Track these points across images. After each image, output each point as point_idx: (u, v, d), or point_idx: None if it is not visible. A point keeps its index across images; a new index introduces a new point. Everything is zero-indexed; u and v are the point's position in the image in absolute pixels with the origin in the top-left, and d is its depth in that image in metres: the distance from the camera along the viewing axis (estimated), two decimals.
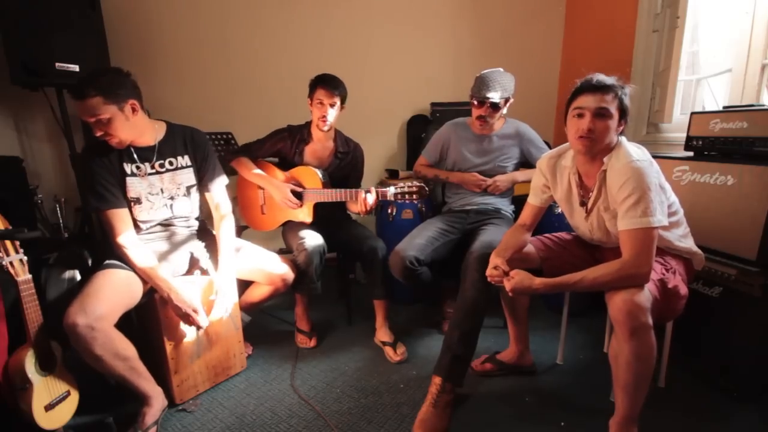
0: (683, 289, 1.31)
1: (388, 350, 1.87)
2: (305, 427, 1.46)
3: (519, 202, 1.83)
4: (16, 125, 2.20)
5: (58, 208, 2.17)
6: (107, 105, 1.33)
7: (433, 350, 1.87)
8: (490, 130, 1.98)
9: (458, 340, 1.48)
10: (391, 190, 1.72)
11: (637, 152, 1.25)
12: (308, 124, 1.97)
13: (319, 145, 1.97)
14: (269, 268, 1.72)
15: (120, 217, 1.44)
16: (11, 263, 1.22)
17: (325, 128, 1.89)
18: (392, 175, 2.53)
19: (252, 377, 1.74)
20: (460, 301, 1.54)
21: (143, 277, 1.43)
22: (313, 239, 1.80)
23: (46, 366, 1.30)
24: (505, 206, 2.04)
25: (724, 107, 1.76)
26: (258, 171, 1.91)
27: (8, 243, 1.23)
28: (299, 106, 2.20)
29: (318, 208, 1.92)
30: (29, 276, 1.25)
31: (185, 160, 1.58)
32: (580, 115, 1.25)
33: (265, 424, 1.47)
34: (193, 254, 1.61)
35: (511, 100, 1.93)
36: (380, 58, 2.82)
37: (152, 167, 1.51)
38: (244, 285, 1.79)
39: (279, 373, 1.77)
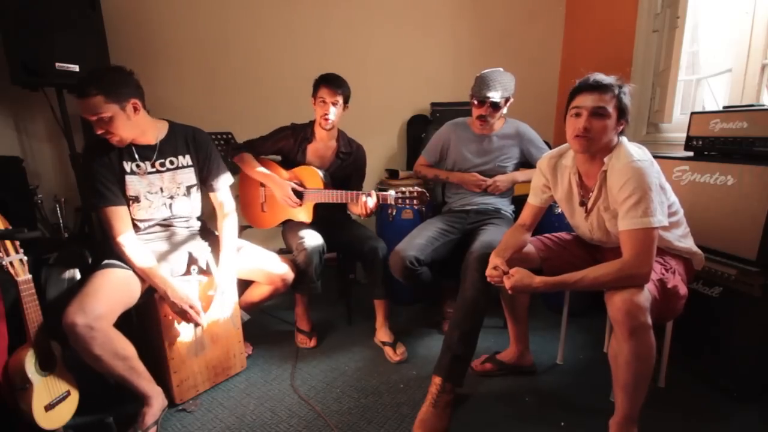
0: (683, 289, 1.31)
1: (388, 350, 1.87)
2: (305, 427, 1.46)
3: (519, 202, 1.83)
4: (16, 125, 2.20)
5: (58, 208, 2.17)
6: (109, 104, 1.33)
7: (433, 350, 1.87)
8: (490, 130, 1.98)
9: (458, 340, 1.48)
10: (392, 194, 1.72)
11: (638, 152, 1.24)
12: (312, 123, 1.97)
13: (322, 144, 1.97)
14: (269, 267, 1.72)
15: (119, 214, 1.44)
16: (11, 263, 1.22)
17: (328, 127, 1.89)
18: (392, 175, 2.53)
19: (252, 377, 1.74)
20: (460, 301, 1.54)
21: (141, 275, 1.43)
22: (312, 239, 1.80)
23: (46, 366, 1.30)
24: (505, 206, 2.04)
25: (724, 107, 1.76)
26: (260, 168, 1.91)
27: (8, 243, 1.23)
28: (300, 106, 2.20)
29: (318, 208, 1.92)
30: (29, 276, 1.25)
31: (186, 159, 1.58)
32: (578, 115, 1.26)
33: (265, 424, 1.47)
34: (192, 254, 1.61)
35: (511, 100, 1.93)
36: (380, 58, 2.82)
37: (152, 166, 1.51)
38: (244, 285, 1.79)
39: (279, 373, 1.77)
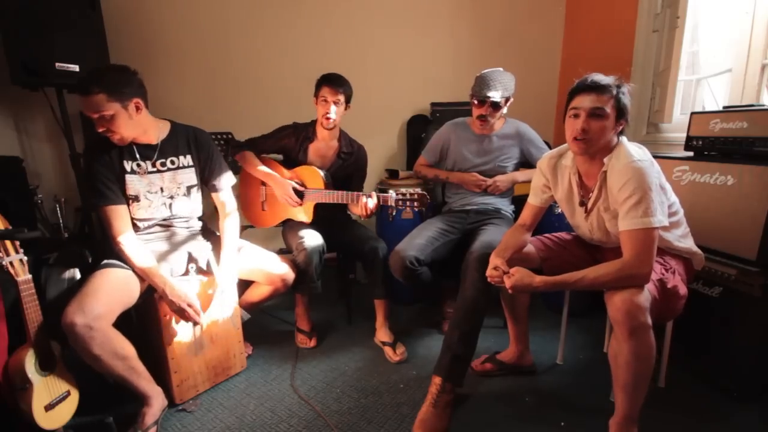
0: (682, 289, 1.31)
1: (388, 350, 1.87)
2: (305, 427, 1.46)
3: (519, 202, 1.83)
4: (16, 125, 2.20)
5: (58, 208, 2.17)
6: (111, 102, 1.33)
7: (433, 350, 1.87)
8: (490, 130, 1.98)
9: (458, 340, 1.48)
10: (392, 196, 1.72)
11: (638, 152, 1.24)
12: (313, 122, 1.97)
13: (323, 144, 1.98)
14: (269, 268, 1.72)
15: (118, 213, 1.45)
16: (11, 263, 1.22)
17: (329, 126, 1.89)
18: (392, 175, 2.53)
19: (252, 377, 1.74)
20: (460, 301, 1.54)
21: (140, 274, 1.43)
22: (312, 239, 1.80)
23: (46, 366, 1.30)
24: (505, 206, 2.04)
25: (724, 107, 1.76)
26: (262, 167, 1.91)
27: (8, 243, 1.23)
28: (300, 107, 2.21)
29: (319, 208, 1.92)
30: (29, 276, 1.25)
31: (187, 159, 1.58)
32: (576, 116, 1.25)
33: (265, 424, 1.47)
34: (192, 254, 1.61)
35: (511, 100, 1.92)
36: (380, 58, 2.82)
37: (153, 165, 1.51)
38: (244, 285, 1.79)
39: (279, 373, 1.77)
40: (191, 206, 1.62)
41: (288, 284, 1.76)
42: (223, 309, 1.64)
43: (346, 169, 2.04)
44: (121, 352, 1.32)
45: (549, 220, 1.99)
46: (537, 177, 1.53)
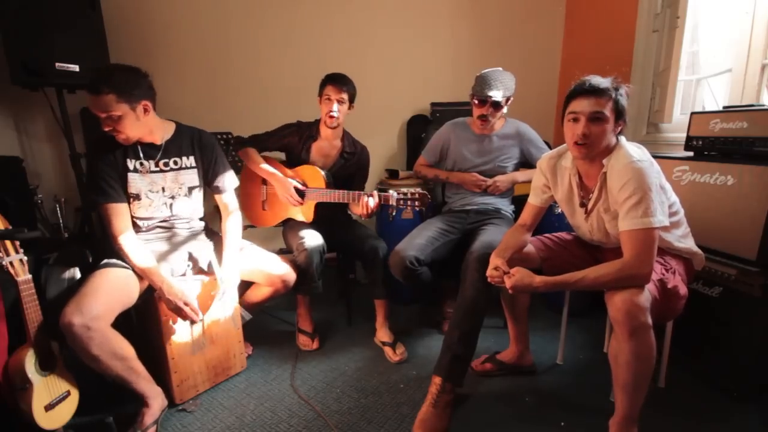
0: (683, 289, 1.31)
1: (388, 350, 1.87)
2: (305, 427, 1.46)
3: (519, 202, 1.83)
4: (16, 125, 2.20)
5: (58, 208, 2.17)
6: (120, 103, 1.34)
7: (433, 350, 1.87)
8: (490, 130, 1.98)
9: (458, 340, 1.48)
10: (393, 195, 1.72)
11: (637, 152, 1.24)
12: (317, 121, 1.98)
13: (327, 143, 1.98)
14: (269, 269, 1.72)
15: (118, 211, 1.45)
16: (11, 263, 1.22)
17: (333, 125, 1.89)
18: (392, 175, 2.53)
19: (252, 377, 1.74)
20: (460, 301, 1.54)
21: (139, 273, 1.43)
22: (312, 239, 1.80)
23: (46, 366, 1.30)
24: (505, 206, 2.04)
25: (724, 107, 1.76)
26: (264, 165, 1.91)
27: (8, 243, 1.23)
28: (300, 107, 2.21)
29: (319, 208, 1.92)
30: (29, 276, 1.25)
31: (190, 161, 1.59)
32: (575, 120, 1.25)
33: (265, 424, 1.47)
34: (192, 254, 1.61)
35: (511, 99, 1.92)
36: (380, 59, 2.82)
37: (156, 165, 1.52)
38: (244, 286, 1.79)
39: (279, 373, 1.77)
40: (192, 207, 1.63)
41: (288, 285, 1.76)
42: (224, 308, 1.64)
43: (348, 169, 2.04)
44: (119, 353, 1.32)
45: (549, 220, 1.99)
46: (537, 177, 1.53)
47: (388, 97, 2.87)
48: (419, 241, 1.77)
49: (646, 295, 1.16)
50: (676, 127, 2.35)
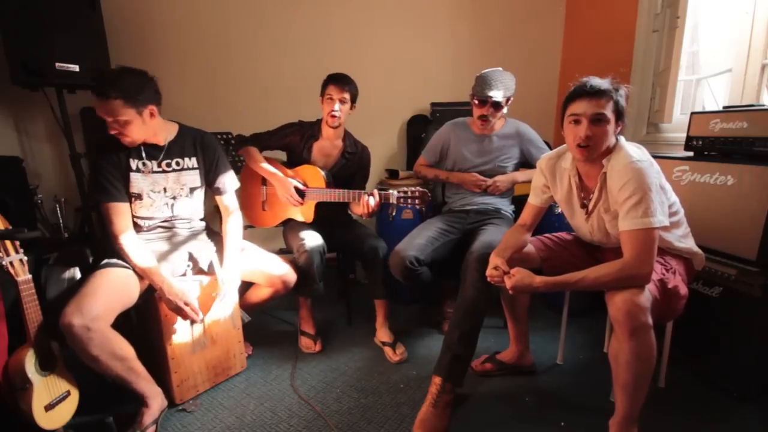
0: (683, 289, 1.31)
1: (388, 350, 1.87)
2: (305, 427, 1.46)
3: (519, 202, 1.83)
4: (16, 125, 2.20)
5: (58, 208, 2.17)
6: (127, 108, 1.35)
7: (433, 350, 1.87)
8: (490, 130, 1.98)
9: (458, 340, 1.48)
10: (394, 194, 1.72)
11: (637, 152, 1.24)
12: (319, 121, 1.98)
13: (328, 143, 1.98)
14: (269, 269, 1.72)
15: (120, 210, 1.45)
16: (11, 263, 1.22)
17: (335, 124, 1.89)
18: (392, 175, 2.53)
19: (252, 377, 1.74)
20: (460, 301, 1.54)
21: (139, 272, 1.43)
22: (312, 239, 1.80)
23: (46, 366, 1.30)
24: (505, 206, 2.04)
25: (724, 107, 1.76)
26: (265, 164, 1.91)
27: (8, 243, 1.23)
28: (300, 107, 2.21)
29: (319, 208, 1.92)
30: (29, 276, 1.25)
31: (192, 162, 1.59)
32: (577, 122, 1.25)
33: (265, 424, 1.47)
34: (192, 254, 1.61)
35: (512, 99, 1.92)
36: (380, 59, 2.82)
37: (158, 165, 1.53)
38: (244, 286, 1.79)
39: (279, 373, 1.77)
40: (193, 207, 1.63)
41: (288, 286, 1.76)
42: (224, 308, 1.64)
43: (349, 169, 2.04)
44: (119, 353, 1.32)
45: (549, 220, 1.98)
46: (537, 177, 1.53)
47: (388, 97, 2.87)
48: (419, 241, 1.77)
49: (647, 295, 1.16)
50: (676, 127, 2.35)
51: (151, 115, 1.43)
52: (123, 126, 1.37)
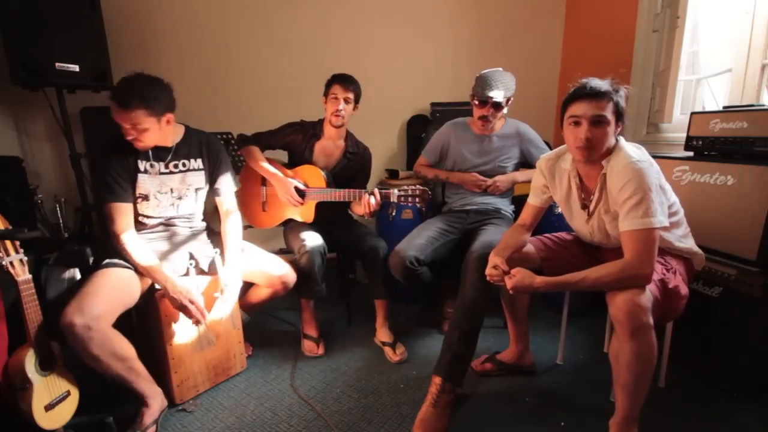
0: (684, 289, 1.31)
1: (388, 350, 1.87)
2: (305, 427, 1.46)
3: (519, 202, 1.82)
4: (16, 125, 2.20)
5: (58, 208, 2.17)
6: (149, 117, 1.38)
7: (433, 350, 1.87)
8: (490, 130, 1.98)
9: (458, 340, 1.48)
10: (395, 193, 1.73)
11: (636, 153, 1.24)
12: (321, 121, 1.98)
13: (330, 142, 1.98)
14: (269, 270, 1.72)
15: (123, 210, 1.46)
16: (11, 263, 1.22)
17: (338, 124, 1.90)
18: (392, 175, 2.53)
19: (252, 377, 1.74)
20: (460, 301, 1.54)
21: (142, 271, 1.43)
22: (313, 240, 1.80)
23: (46, 366, 1.30)
24: (505, 206, 2.04)
25: (724, 107, 1.76)
26: (265, 164, 1.91)
27: (8, 243, 1.23)
28: (300, 107, 2.21)
29: (320, 208, 1.92)
30: (29, 276, 1.25)
31: (198, 163, 1.61)
32: (577, 123, 1.25)
33: (265, 424, 1.47)
34: (193, 254, 1.61)
35: (512, 100, 1.92)
36: (381, 59, 2.82)
37: (166, 167, 1.54)
38: (244, 287, 1.79)
39: (279, 373, 1.77)
40: (195, 207, 1.64)
41: (288, 287, 1.76)
42: (225, 309, 1.64)
43: (351, 169, 2.04)
44: (120, 353, 1.32)
45: (549, 220, 1.98)
46: (537, 177, 1.53)
47: (388, 97, 2.87)
48: (419, 241, 1.77)
49: (648, 295, 1.16)
50: (676, 127, 2.35)
51: (168, 122, 1.46)
52: (140, 133, 1.39)
